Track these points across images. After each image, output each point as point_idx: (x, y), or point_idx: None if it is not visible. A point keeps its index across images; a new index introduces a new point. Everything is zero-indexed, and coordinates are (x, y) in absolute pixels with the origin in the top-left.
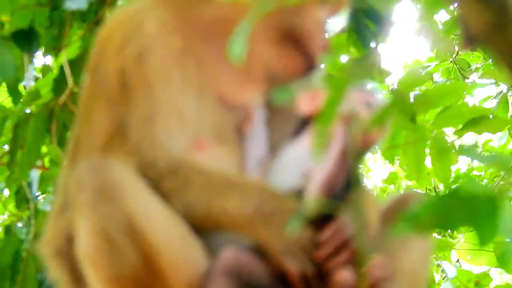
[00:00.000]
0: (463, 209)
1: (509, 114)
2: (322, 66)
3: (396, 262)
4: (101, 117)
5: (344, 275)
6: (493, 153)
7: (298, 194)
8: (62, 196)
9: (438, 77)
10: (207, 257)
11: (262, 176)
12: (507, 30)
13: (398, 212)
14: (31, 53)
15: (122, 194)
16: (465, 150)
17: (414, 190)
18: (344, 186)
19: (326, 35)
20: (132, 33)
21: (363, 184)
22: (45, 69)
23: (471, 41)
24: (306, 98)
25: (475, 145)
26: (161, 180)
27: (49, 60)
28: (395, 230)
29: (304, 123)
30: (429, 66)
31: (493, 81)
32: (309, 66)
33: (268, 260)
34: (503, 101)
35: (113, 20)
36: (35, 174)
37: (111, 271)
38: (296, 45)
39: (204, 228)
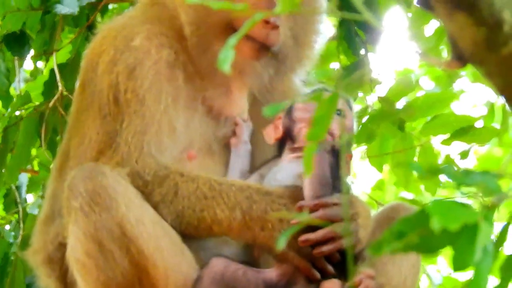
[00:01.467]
0: (443, 233)
1: (496, 124)
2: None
3: (385, 275)
4: (93, 130)
5: (332, 284)
6: (474, 172)
7: (293, 188)
8: (50, 205)
9: (427, 83)
10: (197, 266)
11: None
12: (498, 49)
13: (385, 225)
14: (22, 57)
15: (115, 202)
16: (444, 170)
17: (401, 202)
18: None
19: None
20: (122, 49)
21: (354, 192)
22: (36, 72)
23: (460, 59)
24: (270, 129)
25: (455, 165)
26: (150, 190)
27: (39, 63)
28: (378, 250)
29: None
30: (419, 73)
31: (482, 86)
32: (260, 46)
33: (255, 266)
34: (491, 109)
35: (103, 35)
36: (24, 177)
37: (102, 277)
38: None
39: (197, 236)
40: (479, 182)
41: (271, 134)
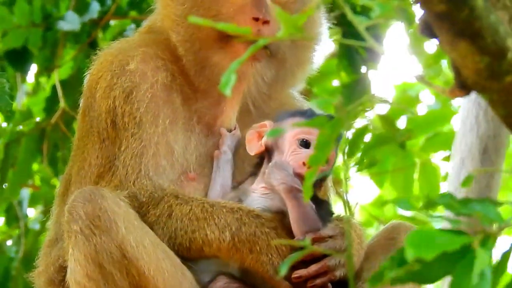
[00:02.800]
0: (442, 260)
1: None
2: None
3: None
4: (93, 154)
5: None
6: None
7: (280, 213)
8: (55, 228)
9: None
10: (198, 287)
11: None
12: (502, 77)
13: (386, 246)
14: (24, 73)
15: (114, 224)
16: (441, 200)
17: (402, 222)
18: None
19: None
20: (118, 74)
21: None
22: (37, 87)
23: (463, 87)
24: (252, 137)
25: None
26: (145, 211)
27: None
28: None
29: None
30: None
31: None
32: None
33: (252, 286)
34: None
35: (100, 60)
36: (25, 192)
37: None
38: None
39: (188, 257)
40: (477, 211)
41: (253, 144)
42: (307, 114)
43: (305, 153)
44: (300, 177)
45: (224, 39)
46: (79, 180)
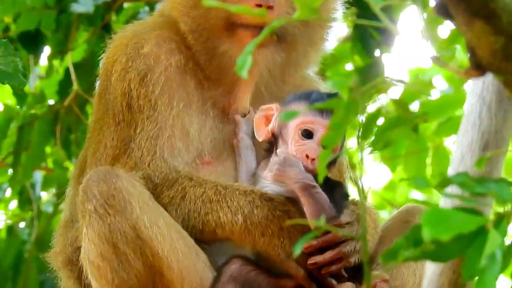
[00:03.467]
0: (456, 240)
1: None
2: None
3: (399, 278)
4: (108, 137)
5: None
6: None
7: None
8: (70, 209)
9: (440, 82)
10: (211, 268)
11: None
12: None
13: (401, 229)
14: (37, 55)
15: (129, 204)
16: (455, 180)
17: (417, 205)
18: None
19: None
20: (133, 57)
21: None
22: (50, 70)
23: (478, 68)
24: (259, 120)
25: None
26: (159, 192)
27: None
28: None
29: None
30: (432, 72)
31: None
32: (260, 31)
33: (269, 271)
34: None
35: (115, 44)
36: (38, 175)
37: (116, 280)
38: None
39: (201, 239)
40: (492, 191)
41: (261, 130)
42: (313, 98)
43: (308, 144)
44: (306, 170)
45: (230, 28)
46: (94, 162)
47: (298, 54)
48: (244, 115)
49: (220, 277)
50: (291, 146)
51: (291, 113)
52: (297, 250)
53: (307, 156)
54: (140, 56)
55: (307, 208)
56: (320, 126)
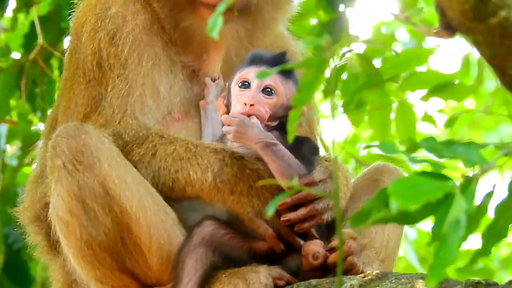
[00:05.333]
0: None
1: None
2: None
3: (368, 236)
4: (79, 95)
5: (314, 245)
6: (456, 143)
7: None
8: (41, 165)
9: (403, 35)
10: (180, 226)
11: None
12: (487, 19)
13: (370, 187)
14: (2, 9)
15: (97, 160)
16: (424, 144)
17: (386, 163)
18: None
19: None
20: (102, 17)
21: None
22: (15, 23)
23: (448, 28)
24: (220, 106)
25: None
26: (129, 149)
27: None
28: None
29: None
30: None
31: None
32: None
33: (242, 234)
34: (466, 64)
35: (84, 3)
36: (3, 128)
37: (85, 236)
38: None
39: (171, 197)
40: (460, 154)
41: (220, 109)
42: (248, 56)
43: (246, 93)
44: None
45: (192, 4)
46: (65, 119)
47: (265, 20)
48: (213, 80)
49: (192, 239)
50: (234, 102)
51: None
52: (271, 209)
53: (245, 104)
54: (107, 17)
55: (272, 166)
56: (255, 74)
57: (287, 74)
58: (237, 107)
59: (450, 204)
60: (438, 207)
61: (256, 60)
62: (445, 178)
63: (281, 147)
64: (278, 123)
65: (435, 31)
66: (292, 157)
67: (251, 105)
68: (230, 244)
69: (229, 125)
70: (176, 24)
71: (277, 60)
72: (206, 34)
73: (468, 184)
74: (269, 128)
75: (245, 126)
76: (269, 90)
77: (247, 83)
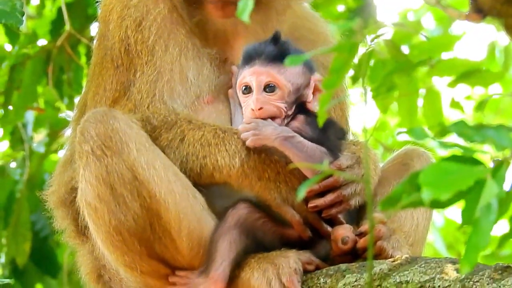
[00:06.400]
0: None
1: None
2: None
3: (397, 220)
4: (107, 80)
5: (344, 230)
6: (486, 127)
7: None
8: (70, 150)
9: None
10: (209, 210)
11: None
12: None
13: (400, 172)
14: None
15: (126, 145)
16: (454, 128)
17: (415, 147)
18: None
19: None
20: (128, 5)
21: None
22: (41, 9)
23: (479, 12)
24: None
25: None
26: (158, 135)
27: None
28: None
29: None
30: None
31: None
32: (223, 4)
33: (275, 220)
34: (492, 51)
35: None
36: (30, 115)
37: (113, 222)
38: None
39: (199, 182)
40: (491, 138)
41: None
42: (243, 55)
43: (249, 98)
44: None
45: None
46: (94, 105)
47: (278, 8)
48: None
49: (226, 221)
50: (243, 108)
51: None
52: (301, 194)
53: (253, 110)
54: (132, 5)
55: (294, 160)
56: (251, 76)
57: (279, 59)
58: (247, 114)
59: (481, 188)
60: (469, 192)
61: (247, 59)
62: (476, 162)
63: (300, 138)
64: (297, 106)
65: (466, 15)
66: (313, 147)
67: (259, 108)
68: (263, 229)
69: (246, 132)
70: (192, 16)
71: (268, 49)
72: (218, 28)
73: (499, 168)
74: (291, 115)
75: (259, 128)
76: (270, 86)
77: (248, 87)
